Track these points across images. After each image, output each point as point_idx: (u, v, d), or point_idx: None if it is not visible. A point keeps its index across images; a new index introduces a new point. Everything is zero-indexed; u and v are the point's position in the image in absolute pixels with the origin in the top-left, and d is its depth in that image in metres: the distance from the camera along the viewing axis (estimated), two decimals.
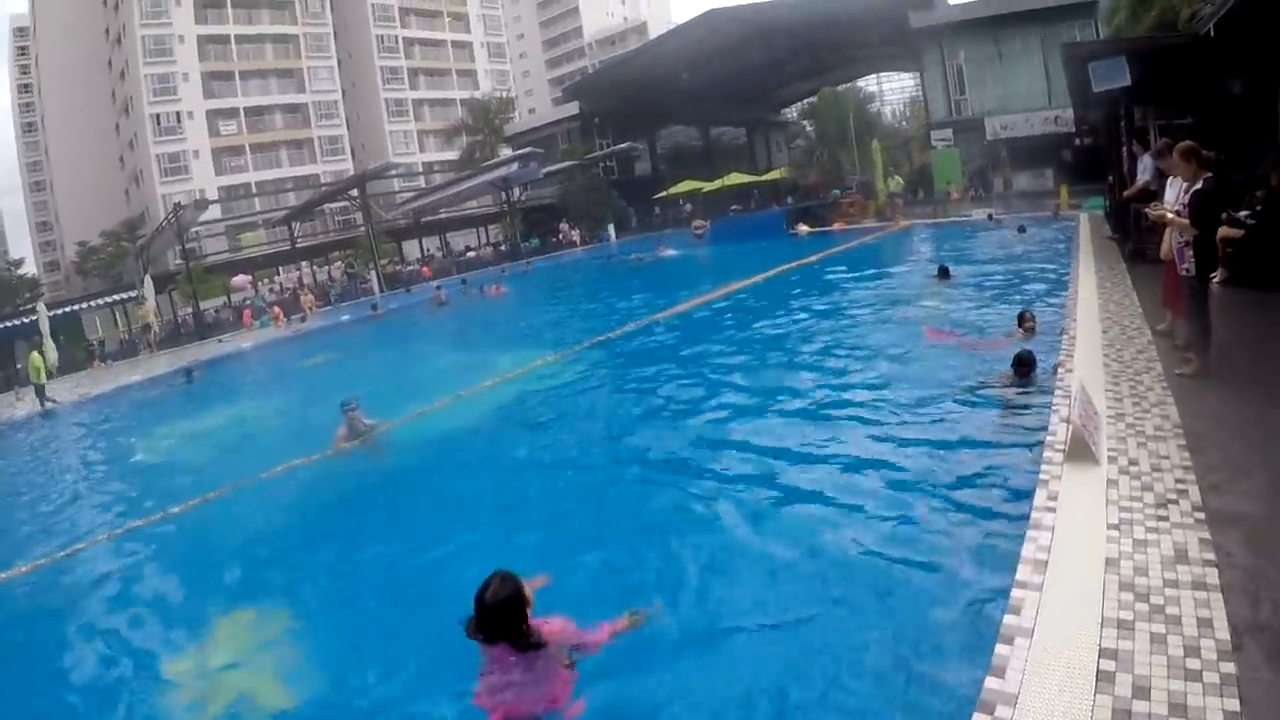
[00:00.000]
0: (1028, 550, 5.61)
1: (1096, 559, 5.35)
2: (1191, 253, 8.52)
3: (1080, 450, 6.83)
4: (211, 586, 8.90)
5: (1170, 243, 9.30)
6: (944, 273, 19.91)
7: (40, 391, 26.86)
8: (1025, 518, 6.17)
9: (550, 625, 4.99)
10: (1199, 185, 8.36)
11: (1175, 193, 9.26)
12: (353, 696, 6.22)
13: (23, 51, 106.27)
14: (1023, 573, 5.33)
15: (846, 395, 11.95)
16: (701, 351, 16.91)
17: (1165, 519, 5.72)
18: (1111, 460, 6.85)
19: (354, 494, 11.83)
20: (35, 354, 28.20)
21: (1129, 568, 5.19)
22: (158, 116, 74.36)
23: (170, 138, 74.73)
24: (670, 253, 40.53)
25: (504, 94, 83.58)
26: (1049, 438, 7.62)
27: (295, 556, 9.61)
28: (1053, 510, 6.12)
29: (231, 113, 78.90)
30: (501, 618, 4.75)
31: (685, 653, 6.02)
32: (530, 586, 4.98)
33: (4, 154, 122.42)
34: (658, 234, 50.89)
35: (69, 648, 8.06)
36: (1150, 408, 7.94)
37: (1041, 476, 6.78)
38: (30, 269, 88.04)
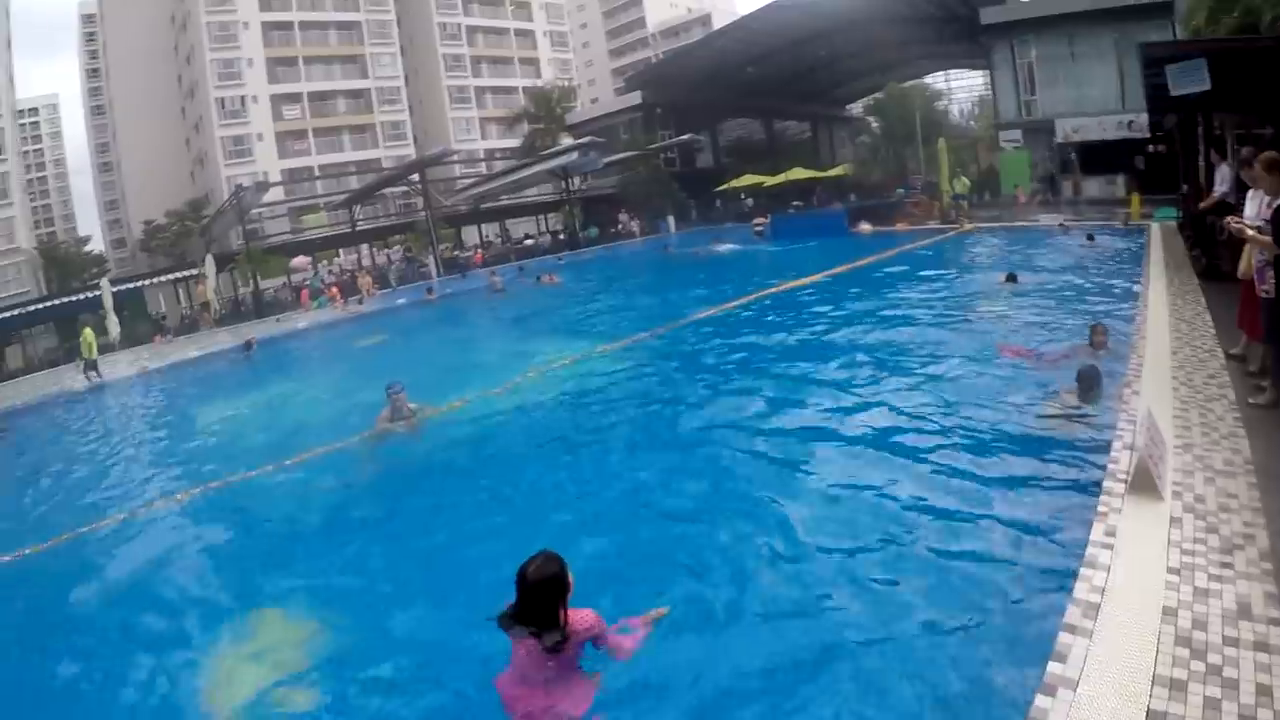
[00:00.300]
0: (1080, 590, 5.29)
1: (1153, 607, 5.00)
2: (1272, 273, 8.01)
3: (1144, 482, 6.43)
4: (244, 567, 9.03)
5: (1249, 261, 8.82)
6: (1012, 278, 19.32)
7: (90, 366, 27.39)
8: (1080, 553, 5.80)
9: (582, 617, 4.89)
10: None
11: (1257, 207, 8.74)
12: (378, 682, 6.24)
13: (91, 37, 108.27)
14: (1072, 615, 5.03)
15: (898, 403, 11.50)
16: (751, 351, 16.57)
17: (1229, 566, 5.33)
18: (1176, 495, 6.42)
19: (394, 478, 11.91)
20: (88, 330, 28.78)
21: (1187, 620, 4.84)
22: (222, 100, 74.98)
23: (234, 121, 75.33)
24: (728, 248, 39.97)
25: (566, 83, 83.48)
26: (1111, 465, 7.21)
27: (329, 539, 9.60)
28: (1110, 547, 5.76)
29: (295, 97, 79.35)
30: (542, 596, 4.70)
31: (706, 657, 5.92)
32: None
33: (74, 135, 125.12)
34: (717, 228, 50.38)
35: (94, 621, 8.29)
36: (1220, 439, 7.44)
37: (1100, 508, 6.39)
38: (98, 246, 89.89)
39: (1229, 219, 9.04)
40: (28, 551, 10.52)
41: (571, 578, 4.84)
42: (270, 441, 14.67)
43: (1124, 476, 6.74)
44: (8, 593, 9.51)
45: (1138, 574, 5.39)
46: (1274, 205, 7.97)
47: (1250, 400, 8.33)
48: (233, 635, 7.30)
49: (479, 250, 56.28)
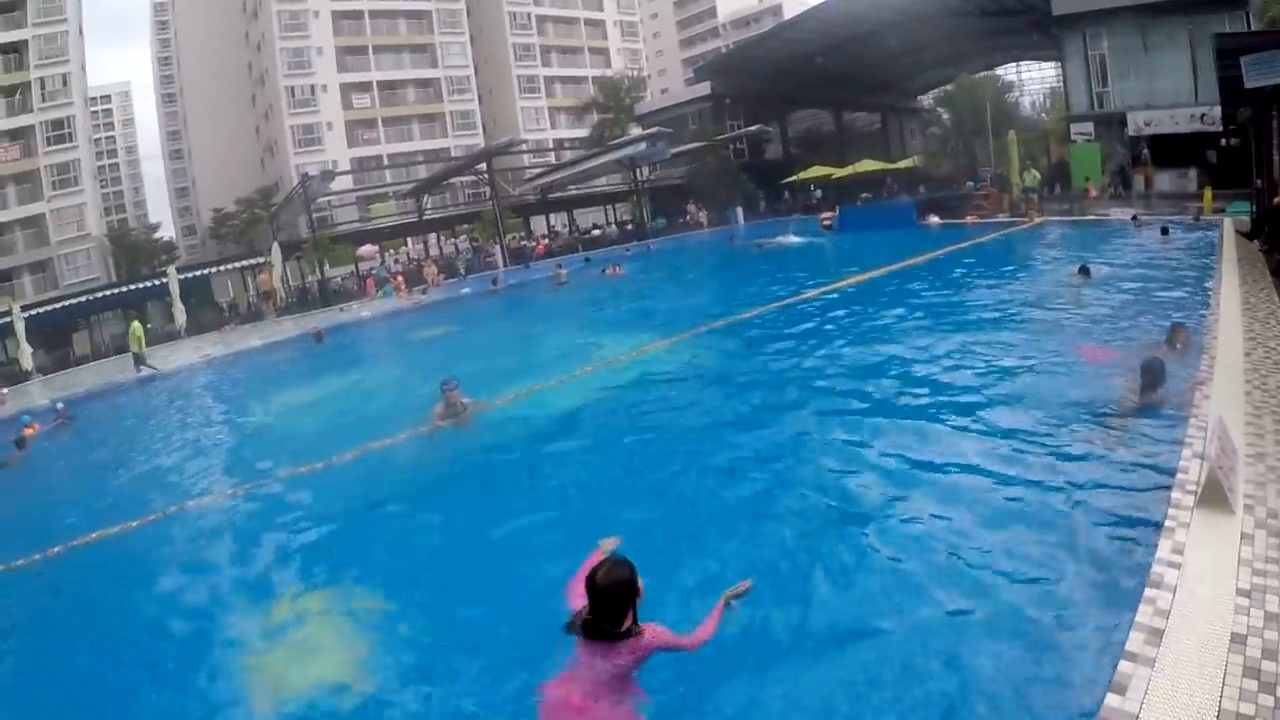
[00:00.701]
0: (1143, 614, 4.90)
1: (1221, 634, 4.57)
2: None
3: (1215, 495, 5.96)
4: (292, 563, 8.93)
5: None
6: (1085, 271, 18.65)
7: (139, 359, 27.44)
8: (1144, 571, 5.41)
9: (653, 630, 4.80)
10: None
11: None
12: (423, 680, 6.14)
13: (163, 25, 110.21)
14: (1134, 642, 4.65)
15: (961, 400, 11.10)
16: (815, 346, 16.00)
17: None
18: (1248, 510, 5.95)
19: (445, 476, 11.83)
20: (135, 323, 28.97)
21: (1257, 649, 4.39)
22: (293, 89, 75.33)
23: (304, 110, 75.69)
24: (793, 240, 39.47)
25: (635, 72, 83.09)
26: (1180, 475, 6.75)
27: (375, 535, 9.54)
28: (1177, 566, 5.35)
29: (365, 86, 79.52)
30: (611, 601, 4.64)
31: (759, 663, 5.71)
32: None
33: (146, 122, 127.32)
34: (785, 219, 49.91)
35: (141, 610, 8.34)
36: None
37: (1167, 523, 5.99)
38: (168, 233, 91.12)
39: None
40: (75, 543, 10.49)
41: (642, 583, 4.78)
42: (322, 437, 14.54)
43: (1193, 488, 6.34)
44: (49, 586, 9.66)
45: (1206, 597, 4.97)
46: None
47: None
48: (275, 630, 7.31)
49: (541, 241, 56.27)
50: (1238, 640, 4.44)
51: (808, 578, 6.78)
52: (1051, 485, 7.71)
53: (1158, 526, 5.95)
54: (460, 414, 12.99)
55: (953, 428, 10.00)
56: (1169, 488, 6.58)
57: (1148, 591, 5.08)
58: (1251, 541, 5.46)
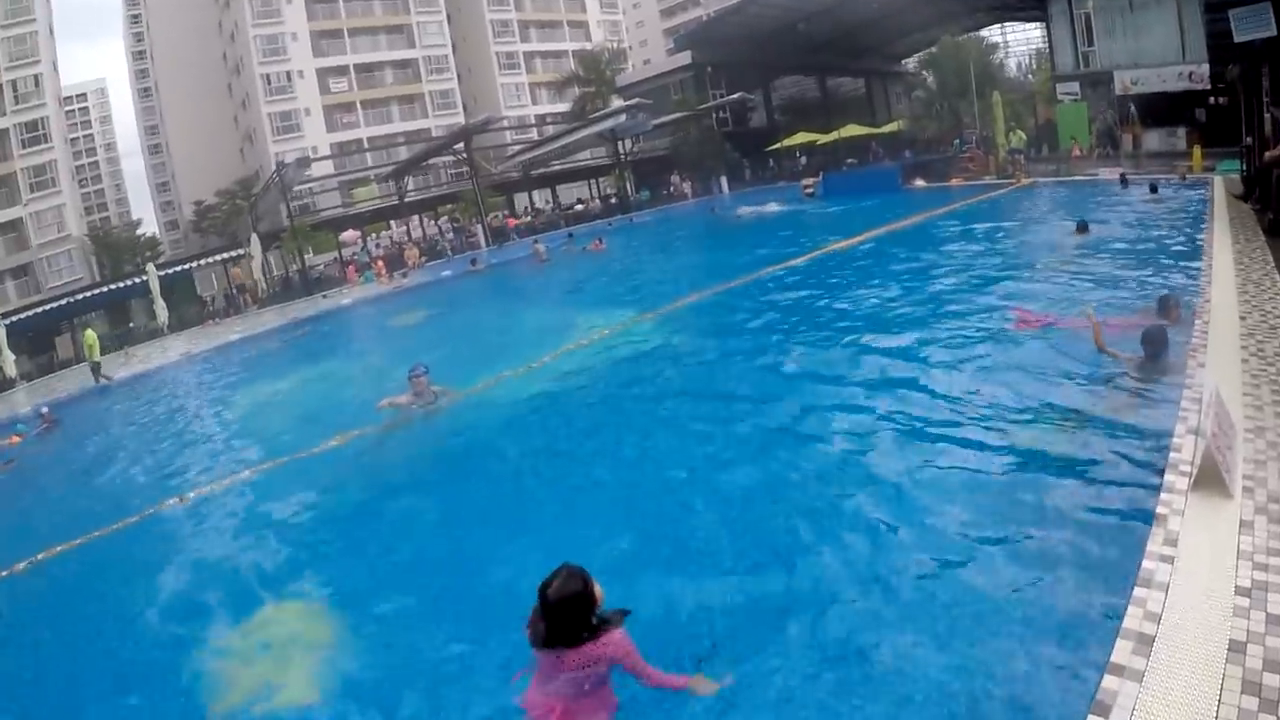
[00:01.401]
0: (1131, 619, 4.46)
1: (1218, 641, 4.13)
2: None
3: (1210, 477, 5.53)
4: (250, 566, 8.71)
5: None
6: (1083, 228, 18.52)
7: (95, 369, 26.93)
8: (1133, 567, 4.94)
9: (612, 639, 4.56)
10: None
11: None
12: (388, 686, 5.95)
13: (135, 20, 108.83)
14: (1121, 652, 4.20)
15: (932, 377, 10.67)
16: (789, 318, 16.07)
17: None
18: (1247, 492, 5.50)
19: (413, 468, 11.42)
20: (89, 331, 28.95)
21: (1257, 658, 3.96)
22: (268, 76, 74.47)
23: (281, 97, 74.87)
24: (774, 208, 39.28)
25: (616, 44, 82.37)
26: (1173, 454, 6.27)
27: (341, 534, 9.30)
28: (1169, 561, 4.90)
29: (342, 70, 78.70)
30: (565, 614, 4.47)
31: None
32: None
33: (124, 118, 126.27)
34: (770, 187, 50.06)
35: (115, 615, 8.25)
36: None
37: (1159, 510, 5.51)
38: (151, 229, 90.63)
39: None
40: (56, 550, 10.34)
41: (599, 591, 4.59)
42: (287, 431, 14.37)
43: (1187, 469, 5.88)
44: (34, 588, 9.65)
45: (1201, 596, 4.54)
46: None
47: None
48: (240, 631, 7.18)
49: (509, 217, 56.12)
50: (1236, 649, 4.02)
51: (784, 574, 6.39)
52: (1035, 467, 7.35)
53: (1149, 514, 5.50)
54: (430, 402, 12.70)
55: (931, 400, 9.67)
56: (1162, 468, 6.13)
57: (1137, 592, 4.65)
58: (1251, 530, 5.03)
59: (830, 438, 9.18)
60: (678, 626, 5.77)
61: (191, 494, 11.61)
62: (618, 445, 10.59)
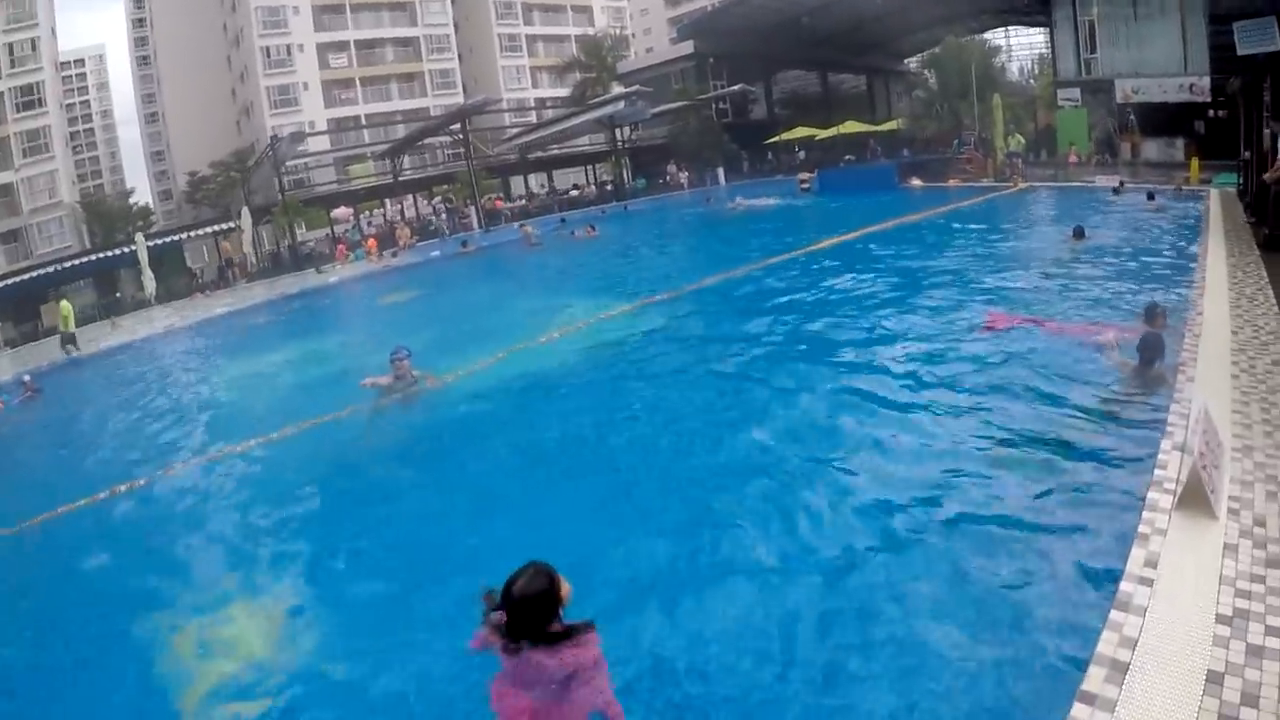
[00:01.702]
0: (1106, 644, 4.29)
1: (1195, 670, 3.99)
2: None
3: (1195, 497, 5.38)
4: (215, 555, 8.49)
5: None
6: (1080, 234, 18.43)
7: (67, 340, 26.76)
8: (1111, 589, 4.79)
9: (586, 652, 4.31)
10: None
11: None
12: (352, 680, 5.79)
13: None
14: (1093, 680, 4.03)
15: (922, 374, 10.68)
16: (776, 315, 15.60)
17: None
18: (1232, 514, 5.38)
19: (388, 452, 11.22)
20: (64, 302, 28.39)
21: (1234, 691, 3.82)
22: (268, 49, 73.96)
23: (280, 70, 74.37)
24: (767, 202, 39.52)
25: (619, 31, 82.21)
26: (1158, 471, 6.11)
27: (311, 516, 9.17)
28: (1149, 584, 4.75)
29: (342, 45, 78.24)
30: (529, 613, 4.27)
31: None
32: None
33: (122, 86, 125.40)
34: (768, 180, 50.15)
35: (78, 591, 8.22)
36: None
37: (1141, 528, 5.37)
38: (144, 198, 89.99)
39: None
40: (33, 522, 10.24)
41: (567, 588, 4.36)
42: (263, 412, 14.25)
43: (1172, 486, 5.75)
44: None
45: (1181, 622, 4.40)
46: None
47: None
48: (205, 618, 6.98)
49: (496, 199, 56.16)
50: (1214, 680, 3.88)
51: (747, 577, 6.22)
52: (1010, 476, 7.18)
53: (1131, 533, 5.34)
54: (410, 385, 12.58)
55: (909, 406, 9.56)
56: (1146, 486, 5.97)
57: (1114, 615, 4.49)
58: (1235, 554, 4.91)
59: (773, 449, 8.99)
60: (648, 613, 5.75)
61: (161, 473, 11.48)
62: (595, 432, 10.53)
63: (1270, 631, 4.19)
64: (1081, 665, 4.18)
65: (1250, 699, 3.74)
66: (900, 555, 6.21)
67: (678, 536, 7.05)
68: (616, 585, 6.18)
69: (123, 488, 10.96)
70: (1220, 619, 4.35)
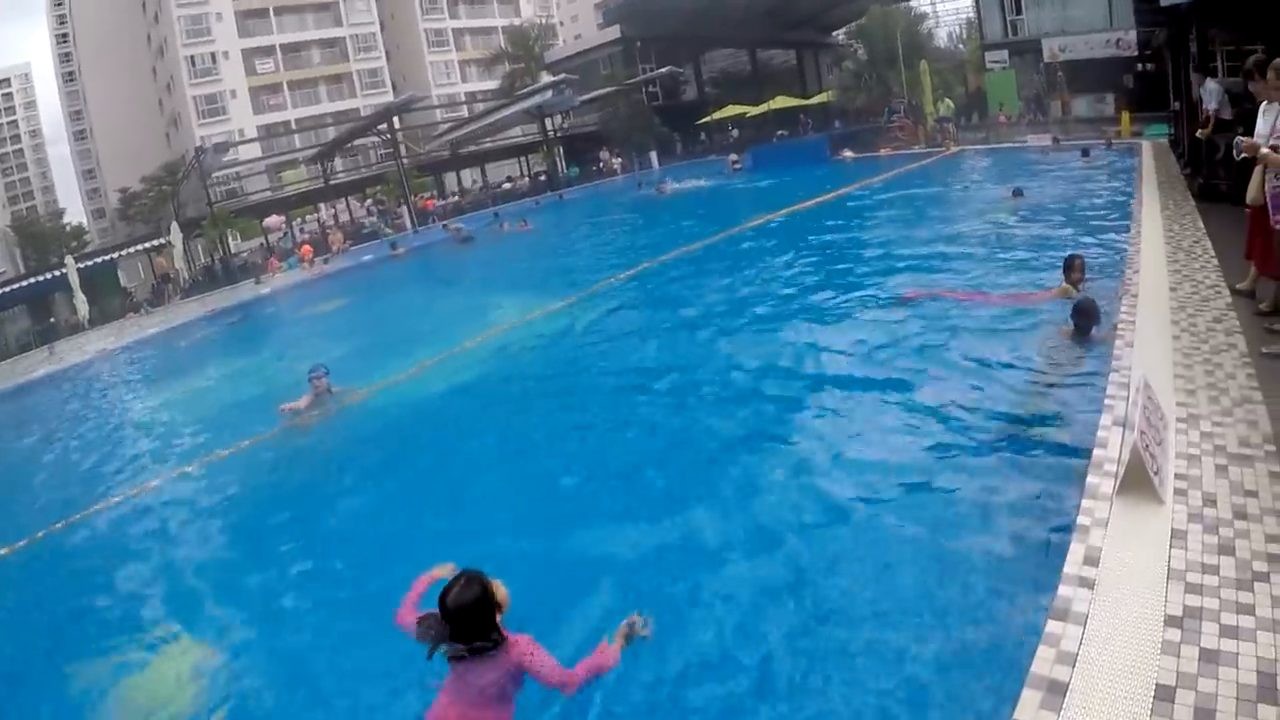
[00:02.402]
0: (1041, 662, 3.78)
1: (1143, 684, 3.52)
2: None
3: (1138, 479, 4.92)
4: (131, 595, 8.10)
5: (1261, 185, 7.30)
6: (1019, 193, 19.21)
7: None
8: (1048, 595, 4.27)
9: (524, 647, 4.38)
10: None
11: (1269, 123, 7.16)
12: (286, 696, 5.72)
13: (59, 2, 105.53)
14: (1026, 708, 3.54)
15: (847, 352, 10.64)
16: (698, 303, 15.59)
17: (1249, 611, 3.84)
18: (1179, 495, 4.94)
19: (310, 473, 11.06)
20: None
21: (1187, 705, 3.37)
22: (193, 58, 72.95)
23: (206, 79, 73.41)
24: (694, 184, 39.76)
25: (545, 20, 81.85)
26: (1097, 450, 5.65)
27: (233, 544, 8.95)
28: (1089, 585, 4.23)
29: (268, 50, 77.35)
30: (465, 622, 4.23)
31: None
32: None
33: (48, 103, 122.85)
34: (700, 161, 50.56)
35: None
36: (1232, 408, 5.92)
37: (1080, 519, 4.85)
38: (78, 217, 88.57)
39: (1240, 139, 7.49)
40: None
41: (503, 592, 4.39)
42: (181, 438, 13.84)
43: (1113, 467, 5.25)
44: None
45: (1125, 628, 3.90)
46: None
47: (1264, 350, 6.84)
48: (134, 647, 6.84)
49: (427, 198, 55.68)
50: (1163, 695, 3.46)
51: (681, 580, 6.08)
52: (933, 462, 6.95)
53: (1067, 525, 4.92)
54: (329, 404, 12.43)
55: (846, 385, 9.47)
56: (1084, 469, 5.51)
57: (1051, 626, 4.00)
58: (1184, 541, 4.49)
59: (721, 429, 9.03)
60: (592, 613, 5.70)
61: (85, 511, 11.07)
62: (522, 438, 10.37)
63: (1225, 632, 3.74)
64: (1012, 697, 3.68)
65: (1205, 714, 3.33)
66: (773, 566, 5.97)
67: (619, 534, 6.91)
68: (557, 590, 6.10)
69: (40, 534, 10.52)
70: (1170, 620, 3.90)
